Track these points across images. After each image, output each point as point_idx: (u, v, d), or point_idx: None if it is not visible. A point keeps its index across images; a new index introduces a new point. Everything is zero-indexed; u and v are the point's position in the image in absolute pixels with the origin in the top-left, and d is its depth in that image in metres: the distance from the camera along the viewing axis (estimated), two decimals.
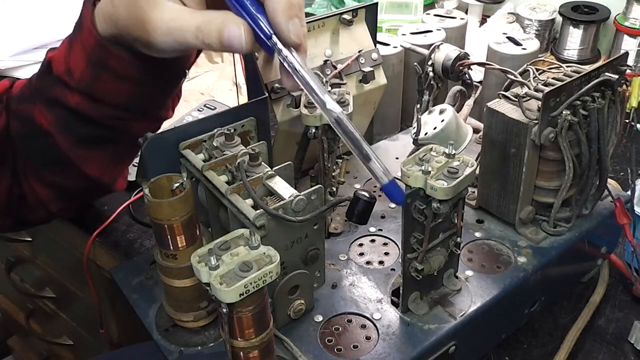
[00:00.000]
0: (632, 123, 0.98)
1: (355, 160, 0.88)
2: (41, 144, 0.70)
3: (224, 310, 0.48)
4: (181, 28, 0.54)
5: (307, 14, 1.28)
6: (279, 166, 0.62)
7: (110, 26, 0.60)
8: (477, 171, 0.70)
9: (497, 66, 0.78)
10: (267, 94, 0.72)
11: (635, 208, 0.75)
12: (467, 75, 0.83)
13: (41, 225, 0.86)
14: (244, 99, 1.03)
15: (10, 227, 0.80)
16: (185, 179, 0.58)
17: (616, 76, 0.67)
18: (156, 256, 0.61)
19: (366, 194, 0.65)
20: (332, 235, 0.74)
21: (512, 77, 0.73)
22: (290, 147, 0.78)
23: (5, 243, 1.23)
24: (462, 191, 0.59)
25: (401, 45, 0.95)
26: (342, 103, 0.69)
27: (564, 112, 0.65)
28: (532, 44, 0.98)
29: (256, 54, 0.73)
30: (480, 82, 0.90)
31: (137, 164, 0.83)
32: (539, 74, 0.72)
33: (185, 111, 1.09)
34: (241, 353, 0.52)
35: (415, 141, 0.77)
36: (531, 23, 1.27)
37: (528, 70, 0.73)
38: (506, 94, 0.71)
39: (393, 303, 0.65)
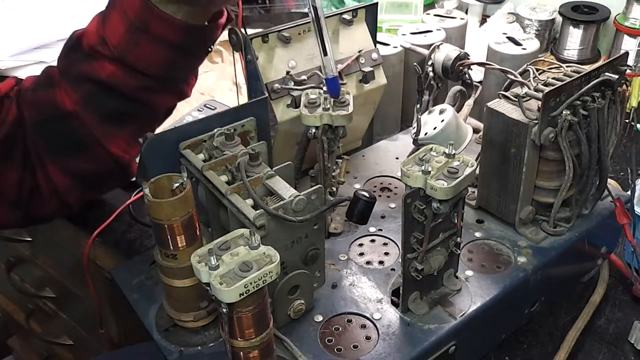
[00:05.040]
0: (632, 123, 0.97)
1: (355, 160, 0.88)
2: (62, 127, 0.72)
3: (224, 310, 0.48)
4: None
5: (308, 14, 1.28)
6: (279, 166, 0.62)
7: None
8: (477, 171, 0.70)
9: (497, 66, 0.78)
10: (267, 94, 0.72)
11: (635, 208, 0.75)
12: (467, 75, 0.83)
13: (46, 222, 0.86)
14: (244, 99, 1.03)
15: (18, 222, 0.81)
16: (185, 179, 0.58)
17: (616, 76, 0.67)
18: (156, 256, 0.61)
19: (366, 194, 0.65)
20: (332, 235, 0.74)
21: (512, 77, 0.73)
22: (290, 147, 0.78)
23: (5, 243, 1.22)
24: (462, 191, 0.59)
25: (401, 45, 0.95)
26: (342, 103, 0.69)
27: (564, 112, 0.65)
28: (532, 44, 0.97)
29: (256, 54, 0.73)
30: (480, 82, 0.90)
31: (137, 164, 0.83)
32: (539, 74, 0.72)
33: (185, 111, 1.09)
34: (241, 353, 0.52)
35: (415, 141, 0.77)
36: (531, 23, 1.26)
37: (528, 70, 0.73)
38: (506, 94, 0.71)
39: (393, 303, 0.65)
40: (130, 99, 0.72)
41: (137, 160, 0.76)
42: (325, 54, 0.67)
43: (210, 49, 0.75)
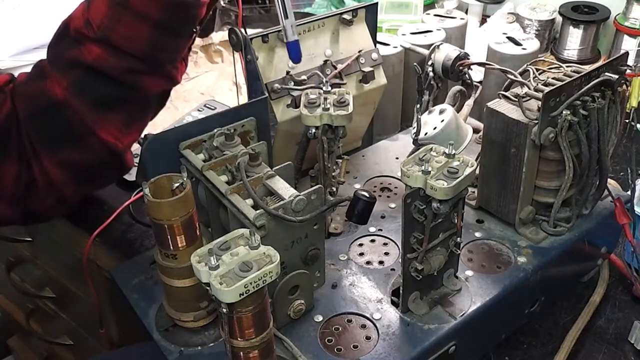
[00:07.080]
0: (632, 123, 0.98)
1: (355, 160, 0.88)
2: (54, 117, 0.73)
3: (224, 310, 0.48)
4: None
5: (307, 14, 1.28)
6: (279, 166, 0.62)
7: None
8: (477, 171, 0.70)
9: (497, 66, 0.78)
10: (267, 94, 0.72)
11: (635, 208, 0.75)
12: (467, 75, 0.83)
13: (47, 219, 0.86)
14: (244, 99, 1.03)
15: (19, 218, 0.81)
16: (185, 179, 0.58)
17: (616, 76, 0.67)
18: (156, 256, 0.61)
19: (366, 194, 0.65)
20: (332, 235, 0.74)
21: (512, 77, 0.73)
22: (290, 147, 0.78)
23: (5, 243, 1.22)
24: (462, 191, 0.59)
25: (401, 45, 0.95)
26: (342, 103, 0.69)
27: (564, 112, 0.65)
28: (532, 44, 0.98)
29: (256, 54, 0.73)
30: (480, 82, 0.90)
31: (137, 164, 0.83)
32: (539, 74, 0.72)
33: (185, 111, 1.09)
34: (241, 353, 0.52)
35: (415, 141, 0.77)
36: (531, 23, 1.26)
37: (528, 70, 0.73)
38: (506, 94, 0.71)
39: (393, 303, 0.65)
40: (119, 83, 0.72)
41: (137, 160, 0.76)
42: (287, 17, 0.67)
43: (195, 30, 0.75)
